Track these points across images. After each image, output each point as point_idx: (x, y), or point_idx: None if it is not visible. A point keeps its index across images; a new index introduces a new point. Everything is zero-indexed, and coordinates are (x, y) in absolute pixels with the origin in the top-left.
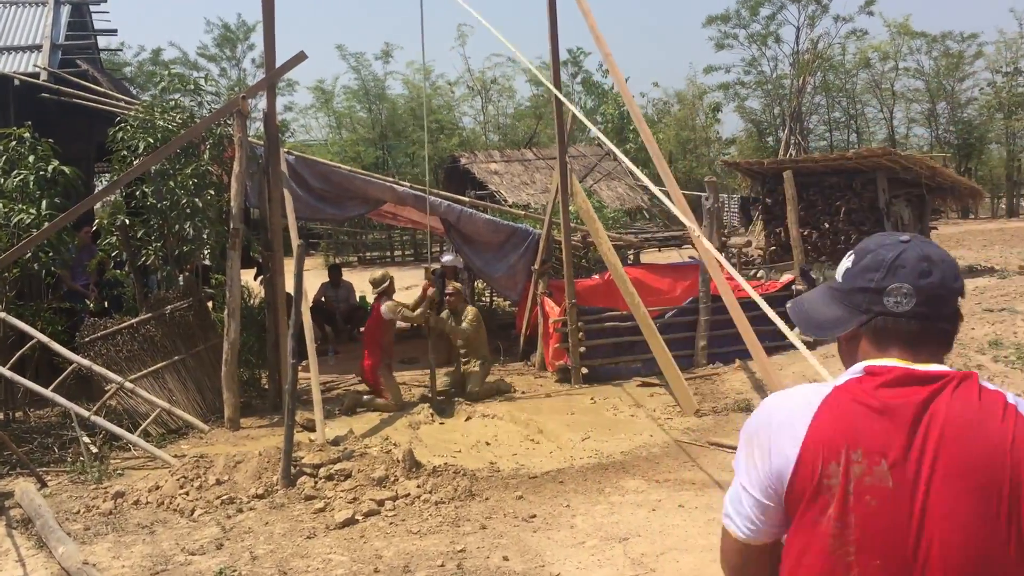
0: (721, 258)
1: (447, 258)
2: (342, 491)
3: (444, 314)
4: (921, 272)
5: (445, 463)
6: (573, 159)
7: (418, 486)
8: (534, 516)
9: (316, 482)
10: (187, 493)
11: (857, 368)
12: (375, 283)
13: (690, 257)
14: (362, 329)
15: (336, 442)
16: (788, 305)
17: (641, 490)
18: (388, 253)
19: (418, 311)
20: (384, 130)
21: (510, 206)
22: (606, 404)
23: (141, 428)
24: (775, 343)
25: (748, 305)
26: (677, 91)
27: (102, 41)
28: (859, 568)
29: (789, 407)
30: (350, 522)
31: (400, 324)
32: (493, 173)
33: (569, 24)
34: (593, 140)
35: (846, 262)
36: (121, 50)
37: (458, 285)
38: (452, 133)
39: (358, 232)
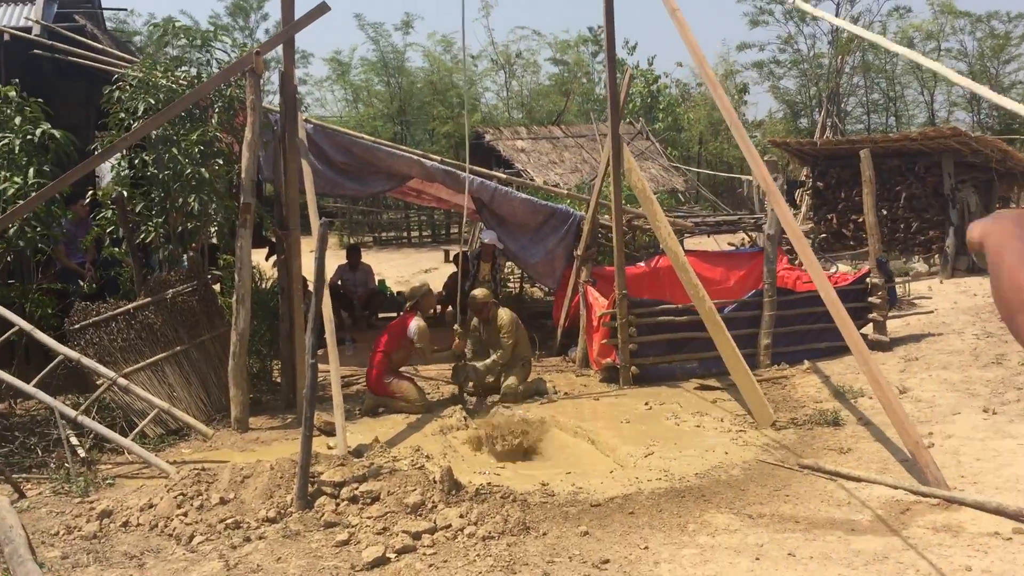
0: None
1: (487, 235)
2: (369, 518)
3: (473, 323)
4: None
5: (488, 483)
6: (604, 137)
7: (461, 515)
8: (607, 561)
9: (338, 504)
10: (185, 514)
11: None
12: (410, 296)
13: (729, 244)
14: (381, 315)
15: (359, 452)
16: None
17: (734, 528)
18: (405, 234)
19: (443, 353)
20: (403, 104)
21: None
22: (664, 411)
23: (136, 430)
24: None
25: (815, 300)
26: None
27: (108, 2)
28: None
29: None
30: (381, 562)
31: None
32: (520, 151)
33: (588, 2)
34: (622, 119)
35: None
36: (127, 10)
37: (486, 292)
38: (474, 109)
39: (373, 211)
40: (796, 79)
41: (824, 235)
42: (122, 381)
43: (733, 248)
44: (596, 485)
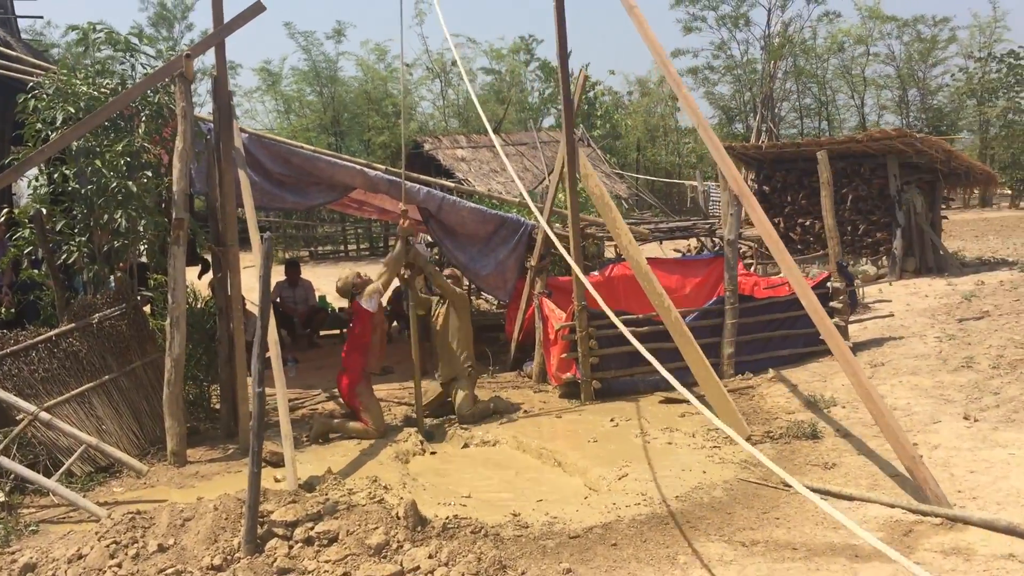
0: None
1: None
2: (327, 562)
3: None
4: None
5: (455, 515)
6: (544, 144)
7: (430, 555)
8: None
9: (291, 548)
10: (120, 565)
11: None
12: (344, 291)
13: (675, 251)
14: (323, 333)
15: (311, 485)
16: None
17: (728, 559)
18: (342, 247)
19: (393, 259)
20: (336, 115)
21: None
22: (631, 427)
23: (62, 469)
24: (812, 348)
25: (776, 306)
26: (639, 77)
27: (23, 11)
28: None
29: None
30: None
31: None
32: (460, 160)
33: (519, 10)
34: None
35: None
36: (42, 18)
37: (456, 271)
38: (410, 118)
39: (308, 224)
40: (730, 85)
41: None
42: (44, 415)
43: (680, 254)
44: (571, 513)
